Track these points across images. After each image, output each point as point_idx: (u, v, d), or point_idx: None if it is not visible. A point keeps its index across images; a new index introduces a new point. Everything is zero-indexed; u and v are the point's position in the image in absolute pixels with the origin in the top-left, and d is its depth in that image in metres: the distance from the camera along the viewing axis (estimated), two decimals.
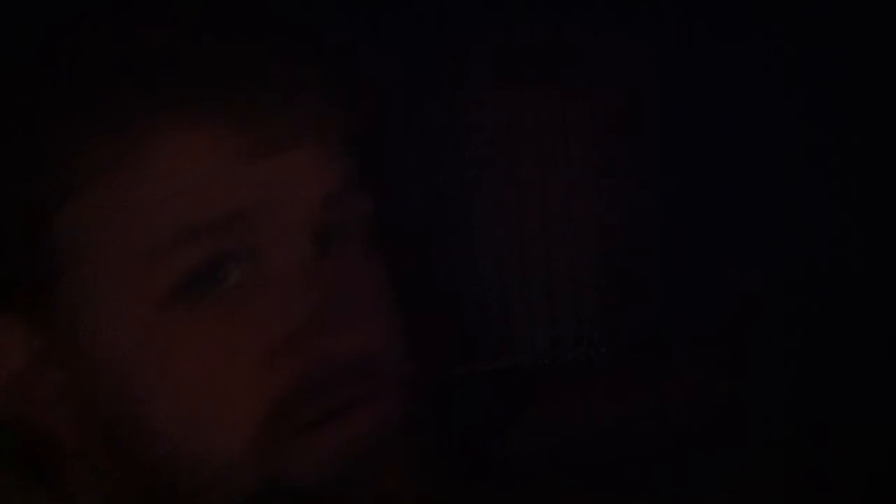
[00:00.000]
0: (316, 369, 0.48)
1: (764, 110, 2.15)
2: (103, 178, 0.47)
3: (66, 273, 0.48)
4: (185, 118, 0.47)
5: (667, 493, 1.83)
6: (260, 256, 0.48)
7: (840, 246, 2.16)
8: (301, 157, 0.49)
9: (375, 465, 0.49)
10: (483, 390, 2.10)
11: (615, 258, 2.27)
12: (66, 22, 0.49)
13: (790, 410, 2.03)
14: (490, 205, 2.20)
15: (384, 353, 0.50)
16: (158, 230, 0.47)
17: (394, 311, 0.53)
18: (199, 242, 0.47)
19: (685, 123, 2.18)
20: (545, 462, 2.01)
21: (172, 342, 0.47)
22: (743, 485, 1.86)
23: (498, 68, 2.16)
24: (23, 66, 0.49)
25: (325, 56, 0.51)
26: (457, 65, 2.10)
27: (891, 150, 2.11)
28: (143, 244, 0.47)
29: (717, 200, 2.19)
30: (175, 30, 0.48)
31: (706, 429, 2.06)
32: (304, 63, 0.50)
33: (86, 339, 0.48)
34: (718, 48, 2.12)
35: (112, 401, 0.48)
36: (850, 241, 2.16)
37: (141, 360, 0.48)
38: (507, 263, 2.22)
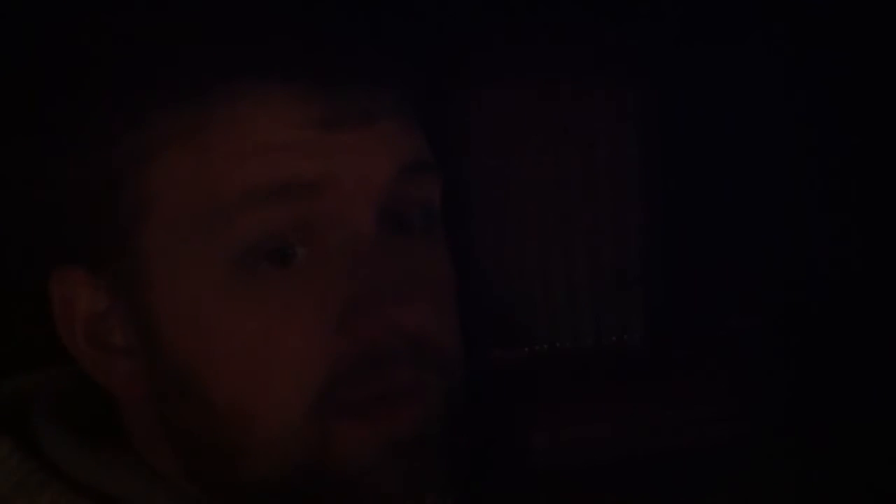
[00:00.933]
0: (365, 348, 0.47)
1: (764, 110, 2.15)
2: (180, 140, 0.48)
3: (141, 229, 0.49)
4: (262, 87, 0.47)
5: (667, 493, 1.83)
6: (327, 227, 0.48)
7: (840, 246, 2.16)
8: (375, 131, 0.49)
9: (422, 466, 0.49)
10: (483, 390, 2.10)
11: (614, 258, 2.27)
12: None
13: (790, 410, 2.04)
14: (491, 204, 2.20)
15: (437, 341, 0.49)
16: (230, 189, 0.47)
17: (454, 300, 0.52)
18: (268, 206, 0.47)
19: (685, 123, 2.18)
20: (545, 462, 2.01)
21: (238, 304, 0.48)
22: (743, 485, 1.86)
23: (498, 68, 2.16)
24: (114, 32, 0.50)
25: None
26: (457, 65, 2.10)
27: (891, 150, 2.12)
28: (216, 203, 0.47)
29: (717, 200, 2.19)
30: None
31: (706, 429, 2.06)
32: (378, 38, 0.50)
33: (156, 294, 0.49)
34: (718, 48, 2.12)
35: (175, 357, 0.49)
36: (850, 241, 2.16)
37: (206, 319, 0.48)
38: (506, 264, 2.22)
